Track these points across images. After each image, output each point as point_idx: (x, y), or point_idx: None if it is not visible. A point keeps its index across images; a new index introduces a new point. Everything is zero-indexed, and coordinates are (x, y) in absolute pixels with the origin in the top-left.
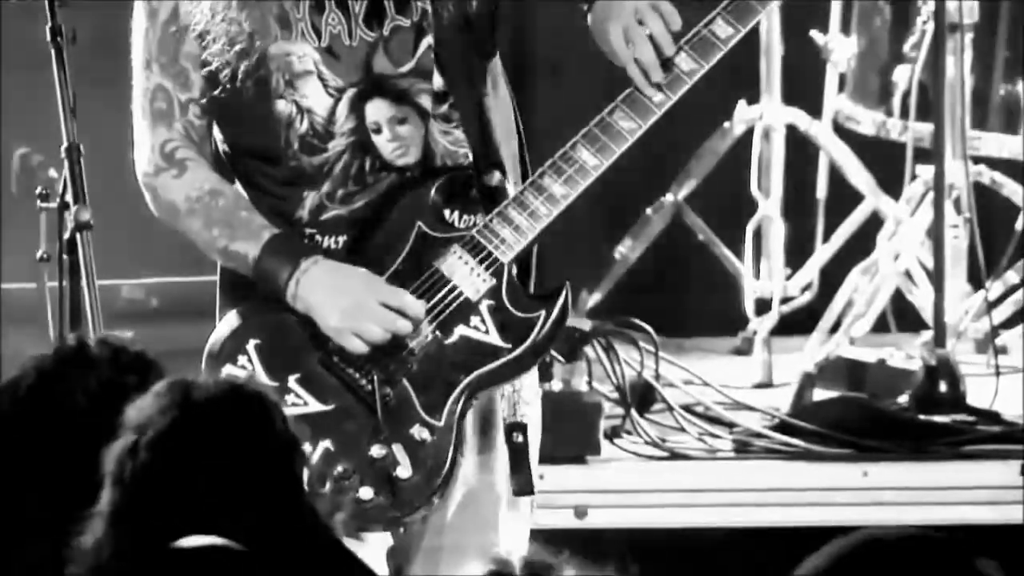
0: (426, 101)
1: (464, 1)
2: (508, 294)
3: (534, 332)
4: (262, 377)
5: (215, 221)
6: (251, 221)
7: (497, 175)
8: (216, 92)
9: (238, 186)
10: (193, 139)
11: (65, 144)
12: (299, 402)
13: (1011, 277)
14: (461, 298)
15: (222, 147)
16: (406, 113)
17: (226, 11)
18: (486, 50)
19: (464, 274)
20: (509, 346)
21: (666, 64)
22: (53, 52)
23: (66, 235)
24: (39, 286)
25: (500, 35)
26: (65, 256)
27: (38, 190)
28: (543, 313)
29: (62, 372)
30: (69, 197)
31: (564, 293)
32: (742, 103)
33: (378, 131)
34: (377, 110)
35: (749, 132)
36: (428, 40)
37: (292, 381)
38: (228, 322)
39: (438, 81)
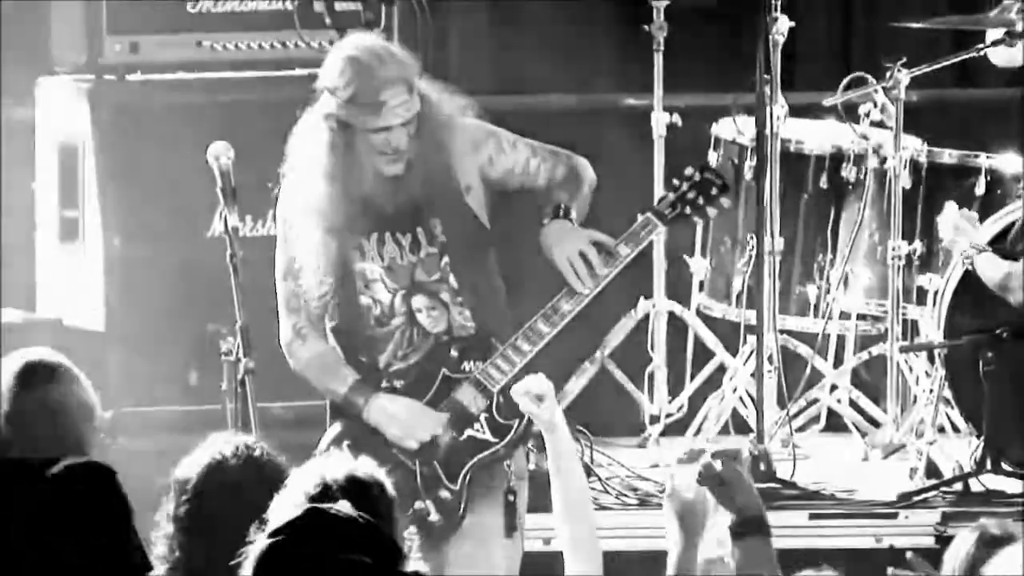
0: (447, 296)
1: (468, 236)
2: (496, 410)
3: (512, 432)
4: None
5: (323, 371)
6: (342, 371)
7: (492, 340)
8: (326, 295)
9: (337, 349)
10: (313, 322)
11: (239, 324)
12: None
13: (801, 403)
14: (468, 413)
15: (330, 326)
16: (435, 303)
17: (328, 253)
18: (483, 263)
19: (470, 399)
20: (497, 440)
21: (591, 272)
22: (231, 270)
23: (238, 376)
24: (222, 408)
25: (492, 251)
26: (238, 389)
27: (222, 349)
28: (517, 421)
29: (224, 461)
30: (241, 353)
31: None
32: (642, 298)
33: (419, 312)
34: (418, 301)
35: (645, 317)
36: (446, 259)
37: None
38: (331, 432)
39: (453, 283)
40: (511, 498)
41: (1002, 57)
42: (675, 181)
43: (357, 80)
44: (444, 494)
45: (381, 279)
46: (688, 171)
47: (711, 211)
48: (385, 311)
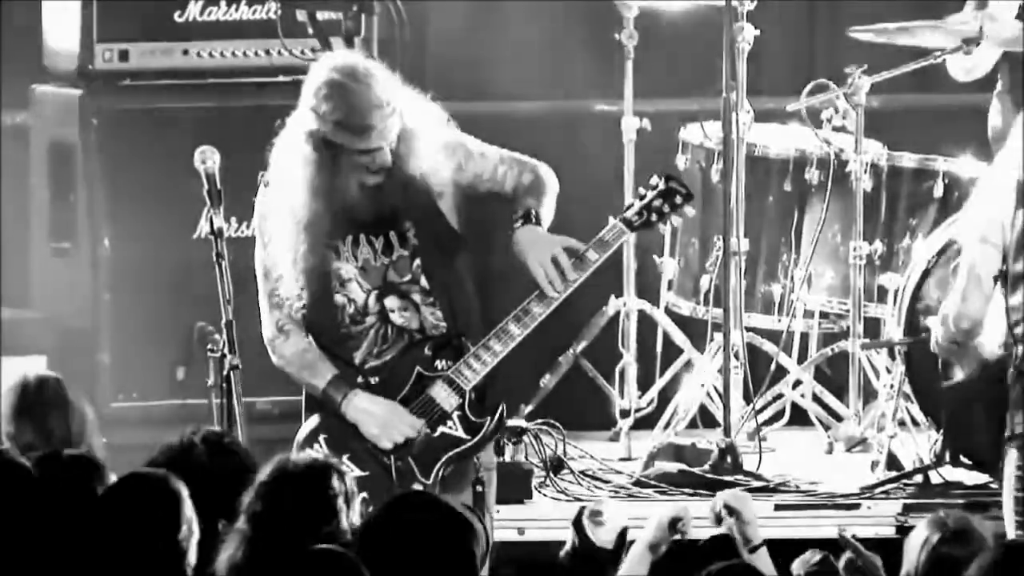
0: (418, 296)
1: (439, 239)
2: (469, 407)
3: (483, 429)
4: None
5: (303, 366)
6: (322, 367)
7: (463, 339)
8: (303, 296)
9: (314, 345)
10: (294, 319)
11: (224, 321)
12: (348, 470)
13: (767, 398)
14: (441, 411)
15: (307, 324)
16: (407, 303)
17: (307, 259)
18: (453, 266)
19: (444, 397)
20: (469, 437)
21: (562, 276)
22: (217, 270)
23: (224, 372)
24: (209, 402)
25: (464, 255)
26: (224, 385)
27: (208, 346)
28: (489, 419)
29: (184, 451)
30: (227, 350)
31: (501, 407)
32: (612, 296)
33: (392, 312)
34: (391, 302)
35: (616, 315)
36: (418, 261)
37: (345, 458)
38: (309, 424)
39: (424, 284)
40: (479, 489)
41: (959, 69)
42: (641, 190)
43: (344, 106)
44: (418, 488)
45: (355, 279)
46: (653, 180)
47: (675, 219)
48: (359, 309)
